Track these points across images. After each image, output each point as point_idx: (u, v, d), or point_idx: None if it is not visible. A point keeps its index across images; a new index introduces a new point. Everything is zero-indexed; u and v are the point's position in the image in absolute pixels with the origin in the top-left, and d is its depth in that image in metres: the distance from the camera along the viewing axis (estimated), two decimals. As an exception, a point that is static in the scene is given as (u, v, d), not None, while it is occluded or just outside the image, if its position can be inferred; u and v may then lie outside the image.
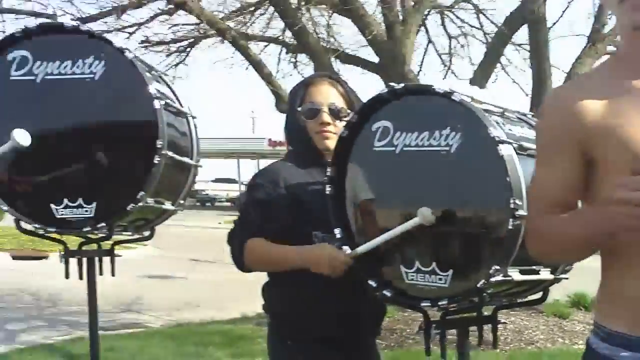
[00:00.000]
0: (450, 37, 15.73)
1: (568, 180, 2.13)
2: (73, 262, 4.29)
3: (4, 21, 12.47)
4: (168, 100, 4.08)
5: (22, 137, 3.80)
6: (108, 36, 4.35)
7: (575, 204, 2.18)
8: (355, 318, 3.24)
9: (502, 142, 2.89)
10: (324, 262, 3.00)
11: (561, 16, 22.12)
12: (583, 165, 2.10)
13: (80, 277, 4.33)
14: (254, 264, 3.16)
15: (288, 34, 13.00)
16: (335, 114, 3.27)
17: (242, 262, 3.16)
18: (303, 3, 12.76)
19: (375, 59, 12.15)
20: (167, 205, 4.36)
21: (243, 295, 11.79)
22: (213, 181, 64.65)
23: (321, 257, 3.02)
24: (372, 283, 3.10)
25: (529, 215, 2.27)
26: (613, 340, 2.09)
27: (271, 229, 3.10)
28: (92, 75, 3.95)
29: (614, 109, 2.05)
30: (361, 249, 3.07)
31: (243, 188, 56.90)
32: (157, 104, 3.86)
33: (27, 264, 16.07)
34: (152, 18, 13.02)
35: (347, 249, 3.08)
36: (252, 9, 14.11)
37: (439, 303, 2.99)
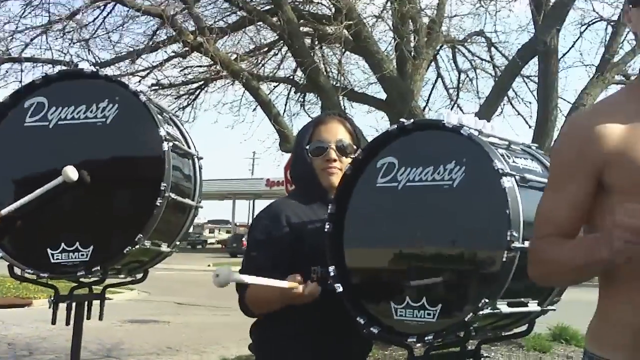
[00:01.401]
0: (459, 71, 15.83)
1: (577, 205, 2.18)
2: (61, 306, 4.20)
3: (22, 71, 12.68)
4: (176, 142, 4.12)
5: (72, 173, 3.85)
6: (122, 80, 4.40)
7: (579, 229, 2.22)
8: (345, 357, 3.27)
9: (505, 174, 2.92)
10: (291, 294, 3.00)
11: (572, 46, 22.18)
12: (593, 192, 2.16)
13: (67, 323, 4.24)
14: (256, 308, 3.18)
15: (299, 73, 13.12)
16: (343, 150, 3.33)
17: (247, 309, 3.19)
18: (317, 42, 12.91)
19: (382, 95, 12.25)
20: (163, 247, 4.31)
21: (225, 338, 11.85)
22: (206, 223, 64.87)
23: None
24: (360, 320, 3.10)
25: (533, 237, 2.30)
26: None
27: (273, 268, 3.09)
28: (103, 119, 4.00)
29: (632, 136, 2.10)
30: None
31: (237, 230, 56.96)
32: (165, 146, 3.90)
33: (10, 311, 15.95)
34: (166, 61, 13.20)
35: (339, 286, 3.10)
36: (265, 49, 14.30)
37: (426, 338, 2.98)
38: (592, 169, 2.13)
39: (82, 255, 3.91)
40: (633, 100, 2.20)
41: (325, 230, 3.19)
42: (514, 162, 3.17)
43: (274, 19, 12.00)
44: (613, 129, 2.12)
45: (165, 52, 13.57)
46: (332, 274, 3.12)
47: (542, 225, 2.24)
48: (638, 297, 2.09)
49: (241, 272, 3.18)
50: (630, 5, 2.21)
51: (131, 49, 12.97)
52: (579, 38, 13.60)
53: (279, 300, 3.06)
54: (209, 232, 65.40)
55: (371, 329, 3.09)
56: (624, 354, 2.10)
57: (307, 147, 3.35)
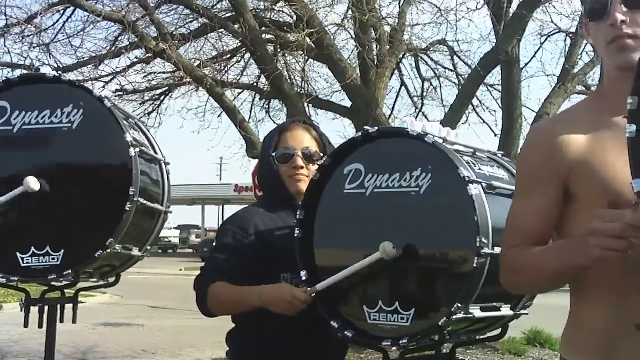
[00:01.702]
0: (423, 80, 15.94)
1: (545, 212, 2.20)
2: (33, 309, 4.19)
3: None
4: (143, 147, 4.09)
5: (33, 183, 3.79)
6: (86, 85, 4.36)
7: (550, 236, 2.24)
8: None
9: (472, 181, 2.95)
10: (282, 301, 3.02)
11: (533, 56, 22.45)
12: (560, 199, 2.18)
13: (40, 326, 4.24)
14: (216, 308, 3.17)
15: (262, 80, 13.13)
16: (309, 157, 3.34)
17: (205, 307, 3.17)
18: (279, 49, 12.93)
19: (347, 103, 12.31)
20: (135, 252, 4.33)
21: (200, 341, 11.81)
22: (176, 228, 64.67)
23: (279, 295, 3.05)
24: (334, 324, 3.12)
25: (503, 245, 2.32)
26: None
27: (235, 274, 3.12)
28: (69, 124, 3.95)
29: (595, 144, 2.14)
30: (320, 285, 3.10)
31: (207, 235, 57.02)
32: (132, 151, 3.87)
33: (-21, 316, 15.71)
34: (129, 67, 13.12)
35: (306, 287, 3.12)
36: (228, 56, 14.29)
37: (400, 342, 3.00)
38: (557, 176, 2.16)
39: (53, 258, 3.89)
40: (594, 110, 2.23)
41: (295, 235, 3.20)
42: (479, 169, 3.19)
43: (236, 26, 12.00)
44: (576, 137, 2.16)
45: (128, 57, 13.52)
46: (303, 278, 3.14)
47: (513, 234, 2.26)
48: (608, 303, 2.11)
49: (199, 276, 3.22)
50: (588, 19, 2.25)
51: (93, 54, 12.89)
52: (539, 48, 13.99)
53: (255, 302, 3.05)
54: (183, 235, 64.87)
55: (345, 332, 3.11)
56: (594, 357, 2.13)
57: (273, 154, 3.36)
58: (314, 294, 3.09)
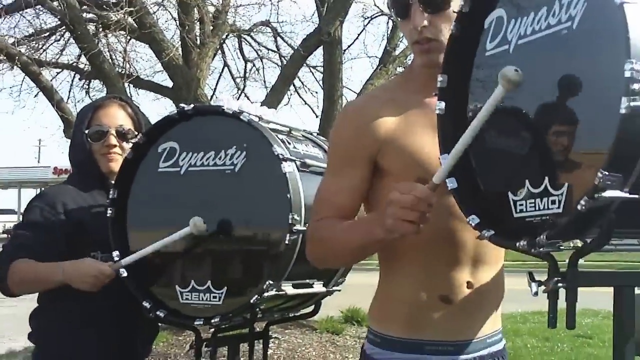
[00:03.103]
0: (246, 61, 15.93)
1: (354, 188, 2.22)
2: None
3: None
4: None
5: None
6: None
7: (357, 210, 2.27)
8: (129, 342, 3.22)
9: (286, 159, 2.97)
10: (86, 276, 2.93)
11: (356, 38, 22.87)
12: (370, 174, 2.22)
13: None
14: (19, 286, 3.02)
15: (83, 60, 12.74)
16: (123, 135, 3.25)
17: (5, 285, 3.03)
18: (101, 29, 12.58)
19: (169, 83, 12.14)
20: None
21: (12, 331, 11.30)
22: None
23: (83, 270, 2.95)
24: (146, 304, 3.08)
25: (311, 218, 2.33)
26: (388, 344, 2.21)
27: (41, 252, 3.00)
28: None
29: (405, 122, 2.19)
30: (126, 260, 3.05)
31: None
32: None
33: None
34: None
35: (123, 271, 3.06)
36: (46, 34, 13.76)
37: (212, 321, 3.01)
38: (367, 153, 2.20)
39: None
40: (405, 89, 2.29)
41: (108, 215, 3.12)
42: (294, 147, 3.22)
43: (55, 3, 11.56)
44: (386, 115, 2.20)
45: None
46: (116, 258, 3.07)
47: (321, 207, 2.27)
48: (414, 276, 2.18)
49: (4, 248, 3.09)
50: (398, 19, 2.32)
51: None
52: (362, 30, 14.10)
53: (58, 277, 2.94)
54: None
55: (157, 312, 3.08)
56: (400, 328, 2.19)
57: (86, 131, 3.25)
58: (120, 269, 3.02)
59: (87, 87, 14.84)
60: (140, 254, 3.05)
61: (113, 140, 3.22)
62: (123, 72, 12.43)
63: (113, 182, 3.19)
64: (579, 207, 1.50)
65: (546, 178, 1.68)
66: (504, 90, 1.68)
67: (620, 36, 1.44)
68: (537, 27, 1.74)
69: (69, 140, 3.57)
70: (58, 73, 14.54)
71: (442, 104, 2.00)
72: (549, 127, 1.71)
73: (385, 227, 1.90)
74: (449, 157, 1.85)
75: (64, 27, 12.31)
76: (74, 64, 14.14)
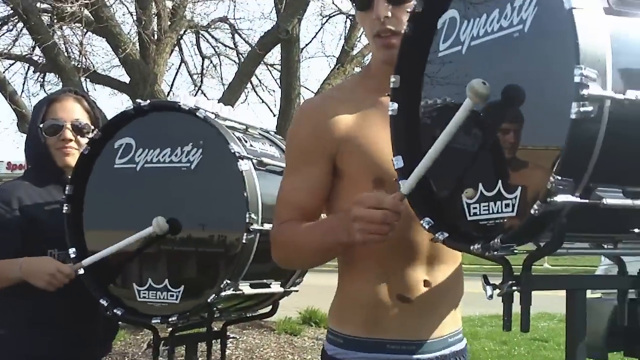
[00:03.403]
0: (203, 57, 15.85)
1: (314, 188, 2.21)
2: None
3: None
4: None
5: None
6: None
7: (320, 211, 2.27)
8: (88, 340, 3.19)
9: (242, 157, 2.96)
10: (44, 274, 2.92)
11: (314, 37, 22.94)
12: (330, 174, 2.21)
13: None
14: None
15: (37, 52, 12.56)
16: (79, 130, 3.20)
17: None
18: (56, 20, 12.42)
19: (126, 78, 12.03)
20: None
21: None
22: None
23: (42, 267, 2.94)
24: (103, 302, 3.07)
25: (274, 221, 2.32)
26: (351, 344, 2.20)
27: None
28: None
29: (362, 122, 2.18)
30: (87, 260, 3.02)
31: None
32: None
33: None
34: None
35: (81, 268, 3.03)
36: (-1, 24, 13.55)
37: (169, 319, 3.00)
38: (326, 151, 2.19)
39: None
40: (362, 89, 2.28)
41: (63, 211, 3.09)
42: (251, 145, 3.21)
43: (7, -9, 11.39)
44: (344, 115, 2.19)
45: None
46: (72, 256, 3.05)
47: (283, 209, 2.26)
48: (372, 276, 2.18)
49: None
50: (355, 6, 2.30)
51: None
52: (320, 29, 14.08)
53: (15, 274, 2.93)
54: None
55: (115, 310, 3.06)
56: (361, 328, 2.19)
57: (41, 125, 3.20)
58: (81, 270, 3.00)
59: (42, 80, 14.65)
60: (102, 254, 3.03)
61: (69, 134, 3.18)
62: (79, 65, 12.27)
63: (69, 177, 3.16)
64: (532, 211, 1.51)
65: (499, 181, 1.68)
66: (472, 103, 1.68)
67: (570, 41, 1.46)
68: (490, 29, 1.75)
69: (24, 135, 3.51)
70: (11, 65, 14.34)
71: (395, 105, 2.00)
72: (502, 130, 1.72)
73: (353, 239, 1.91)
74: (418, 167, 1.84)
75: (16, 16, 12.12)
76: (28, 56, 13.94)
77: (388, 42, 2.18)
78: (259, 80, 15.77)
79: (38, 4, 11.67)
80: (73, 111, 3.23)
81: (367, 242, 1.89)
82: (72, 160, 3.18)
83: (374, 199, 1.87)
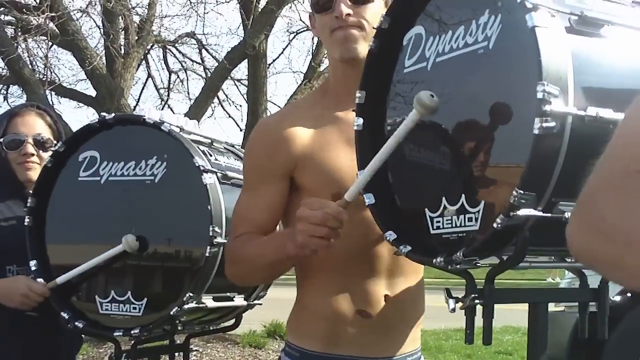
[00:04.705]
0: (170, 72, 15.82)
1: (270, 205, 2.22)
2: None
3: None
4: None
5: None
6: None
7: (275, 227, 2.27)
8: (53, 352, 3.17)
9: (207, 171, 2.95)
10: (16, 294, 2.91)
11: (281, 53, 22.94)
12: (286, 190, 2.21)
13: None
14: None
15: (0, 64, 12.43)
16: (41, 144, 3.19)
17: None
18: (20, 33, 12.32)
19: (92, 92, 11.96)
20: None
21: None
22: None
23: (13, 287, 2.93)
24: (64, 315, 3.03)
25: (229, 236, 2.32)
26: (307, 359, 2.20)
27: None
28: None
29: (321, 139, 2.19)
30: (61, 279, 3.00)
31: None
32: None
33: None
34: None
35: (41, 280, 3.01)
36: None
37: (132, 332, 2.96)
38: (282, 169, 2.20)
39: None
40: (319, 106, 2.29)
41: (26, 224, 3.07)
42: (216, 159, 3.20)
43: (-33, 4, 11.29)
44: (302, 132, 2.20)
45: None
46: (33, 268, 3.02)
47: (238, 225, 2.27)
48: (328, 288, 2.19)
49: None
50: (313, 11, 2.29)
51: None
52: (287, 45, 14.08)
53: None
54: None
55: (76, 323, 3.02)
56: (319, 343, 2.19)
57: (2, 140, 3.18)
58: (52, 287, 2.98)
59: (5, 92, 14.49)
60: (76, 271, 3.00)
61: (30, 149, 3.16)
62: (44, 78, 12.18)
63: (31, 191, 3.13)
64: (495, 225, 1.53)
65: (463, 195, 1.70)
66: (418, 114, 1.69)
67: (532, 59, 1.48)
68: (455, 45, 1.77)
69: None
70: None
71: (360, 120, 2.01)
72: (465, 144, 1.74)
73: (295, 243, 1.91)
74: (361, 175, 1.86)
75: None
76: (-10, 68, 13.81)
77: (349, 34, 2.17)
78: (226, 95, 15.75)
79: (2, 16, 11.57)
80: (35, 126, 3.22)
81: (308, 245, 1.88)
82: (34, 174, 3.16)
83: (317, 202, 1.89)
